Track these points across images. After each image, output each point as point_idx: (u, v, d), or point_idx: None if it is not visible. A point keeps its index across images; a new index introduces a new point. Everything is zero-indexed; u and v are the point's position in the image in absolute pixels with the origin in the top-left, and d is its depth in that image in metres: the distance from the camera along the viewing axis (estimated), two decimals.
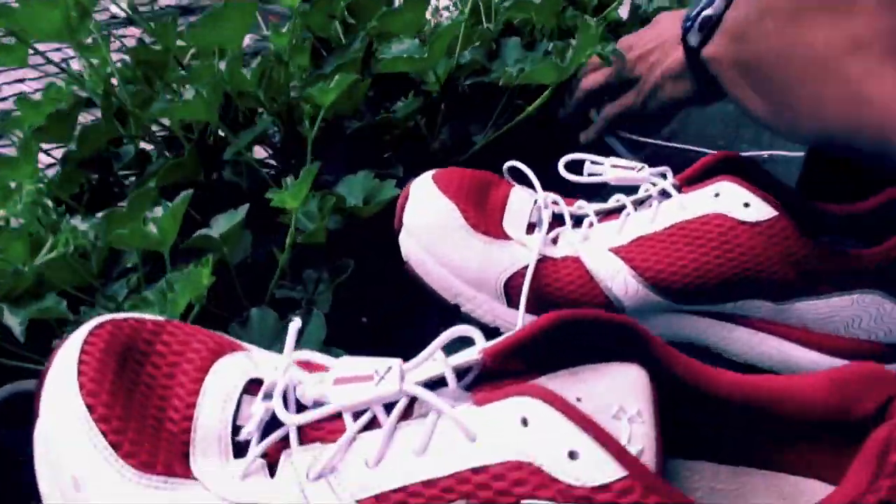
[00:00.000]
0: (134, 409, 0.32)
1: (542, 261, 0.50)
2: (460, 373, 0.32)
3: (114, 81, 0.61)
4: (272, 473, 0.32)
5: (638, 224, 0.50)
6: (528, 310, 0.48)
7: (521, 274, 0.49)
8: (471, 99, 0.78)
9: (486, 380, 0.32)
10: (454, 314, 0.52)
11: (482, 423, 0.29)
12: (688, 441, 0.35)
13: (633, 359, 0.32)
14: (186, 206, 0.45)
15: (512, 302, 0.51)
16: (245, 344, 0.37)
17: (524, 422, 0.28)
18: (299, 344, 0.50)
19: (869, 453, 0.28)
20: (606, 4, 0.86)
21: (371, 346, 0.54)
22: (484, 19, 0.86)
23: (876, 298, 0.48)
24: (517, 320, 0.48)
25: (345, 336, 0.50)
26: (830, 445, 0.32)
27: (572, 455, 0.27)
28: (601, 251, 0.50)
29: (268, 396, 0.33)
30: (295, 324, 0.34)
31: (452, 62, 0.75)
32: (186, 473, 0.31)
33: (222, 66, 0.62)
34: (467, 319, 0.52)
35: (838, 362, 0.49)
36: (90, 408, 0.30)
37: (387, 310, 0.57)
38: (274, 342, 0.48)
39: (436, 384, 0.31)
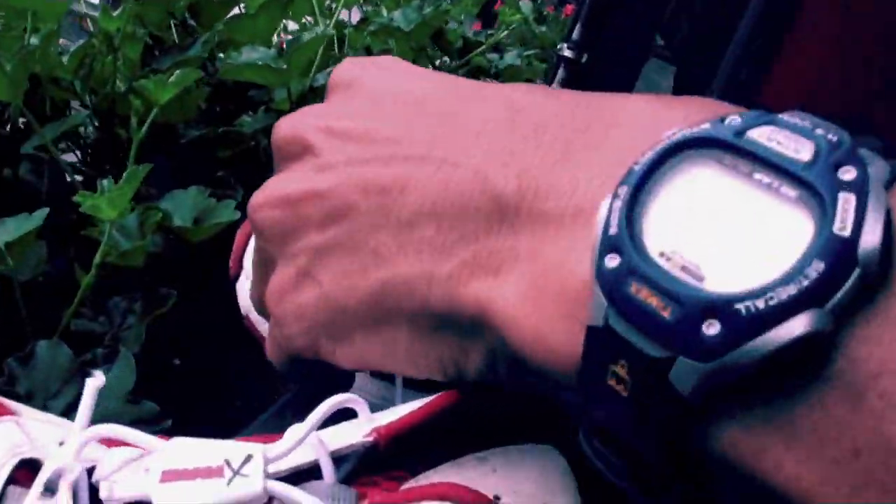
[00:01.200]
0: None
1: None
2: (336, 459, 0.24)
3: None
4: None
5: None
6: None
7: None
8: None
9: (367, 467, 0.24)
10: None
11: None
12: None
13: (545, 437, 0.26)
14: None
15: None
16: (13, 404, 0.27)
17: None
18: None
19: None
20: (471, 48, 0.82)
21: (192, 400, 0.45)
22: (338, 45, 0.80)
23: None
24: (380, 392, 0.40)
25: (159, 387, 0.41)
26: None
27: None
28: None
29: (49, 490, 0.23)
30: (95, 381, 0.25)
31: (307, 83, 0.67)
32: None
33: (33, 41, 0.51)
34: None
35: None
36: None
37: (213, 356, 0.48)
38: (65, 389, 0.38)
39: (304, 474, 0.23)
